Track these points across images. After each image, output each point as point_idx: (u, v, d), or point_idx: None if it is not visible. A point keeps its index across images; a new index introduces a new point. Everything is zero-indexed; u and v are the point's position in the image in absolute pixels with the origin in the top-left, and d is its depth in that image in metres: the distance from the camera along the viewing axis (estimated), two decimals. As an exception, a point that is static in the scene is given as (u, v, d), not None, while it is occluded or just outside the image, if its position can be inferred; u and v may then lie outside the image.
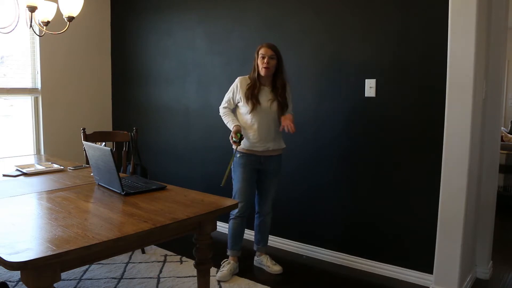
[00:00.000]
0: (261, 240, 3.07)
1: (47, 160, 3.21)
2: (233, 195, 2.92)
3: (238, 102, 2.86)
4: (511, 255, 3.44)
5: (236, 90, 2.86)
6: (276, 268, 2.98)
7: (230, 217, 2.94)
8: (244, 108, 2.83)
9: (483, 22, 2.57)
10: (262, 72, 2.77)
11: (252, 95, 2.79)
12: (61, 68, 4.18)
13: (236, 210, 2.86)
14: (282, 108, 2.84)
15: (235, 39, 3.60)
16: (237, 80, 2.88)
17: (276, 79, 2.83)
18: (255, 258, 3.11)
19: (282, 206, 3.31)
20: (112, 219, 1.79)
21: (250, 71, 2.88)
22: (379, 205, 2.96)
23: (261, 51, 2.77)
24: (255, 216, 3.06)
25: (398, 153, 2.86)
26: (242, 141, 2.79)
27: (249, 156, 2.86)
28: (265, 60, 2.75)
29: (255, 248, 3.12)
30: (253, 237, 3.14)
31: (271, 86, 2.85)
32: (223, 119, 2.90)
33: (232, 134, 2.74)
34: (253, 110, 2.79)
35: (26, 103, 4.04)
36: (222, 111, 2.92)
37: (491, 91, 2.81)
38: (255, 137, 2.82)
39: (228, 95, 2.91)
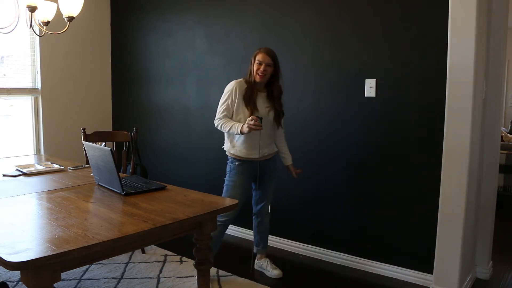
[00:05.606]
0: (261, 242, 3.05)
1: (47, 160, 3.21)
2: None
3: (236, 108, 2.70)
4: (511, 255, 3.44)
5: (234, 94, 2.69)
6: (276, 272, 2.95)
7: None
8: (241, 114, 2.69)
9: (483, 22, 2.57)
10: (257, 78, 2.69)
11: (250, 101, 2.69)
12: (61, 68, 4.18)
13: (222, 216, 2.70)
14: (279, 116, 2.79)
15: (235, 39, 3.60)
16: (234, 84, 2.72)
17: (273, 87, 2.76)
18: (256, 261, 3.08)
19: (283, 207, 3.31)
20: (112, 219, 1.79)
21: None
22: (379, 205, 2.96)
23: (258, 57, 2.67)
24: (253, 217, 3.03)
25: (398, 153, 2.86)
26: (239, 149, 2.73)
27: (248, 163, 2.76)
28: (262, 67, 2.66)
29: (254, 250, 3.08)
30: (253, 237, 3.13)
31: (266, 92, 2.77)
32: (224, 128, 2.67)
33: (253, 122, 2.50)
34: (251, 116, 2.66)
35: (26, 103, 4.04)
36: (221, 121, 2.70)
37: (491, 91, 2.81)
38: (251, 145, 2.72)
39: (226, 102, 2.71)
